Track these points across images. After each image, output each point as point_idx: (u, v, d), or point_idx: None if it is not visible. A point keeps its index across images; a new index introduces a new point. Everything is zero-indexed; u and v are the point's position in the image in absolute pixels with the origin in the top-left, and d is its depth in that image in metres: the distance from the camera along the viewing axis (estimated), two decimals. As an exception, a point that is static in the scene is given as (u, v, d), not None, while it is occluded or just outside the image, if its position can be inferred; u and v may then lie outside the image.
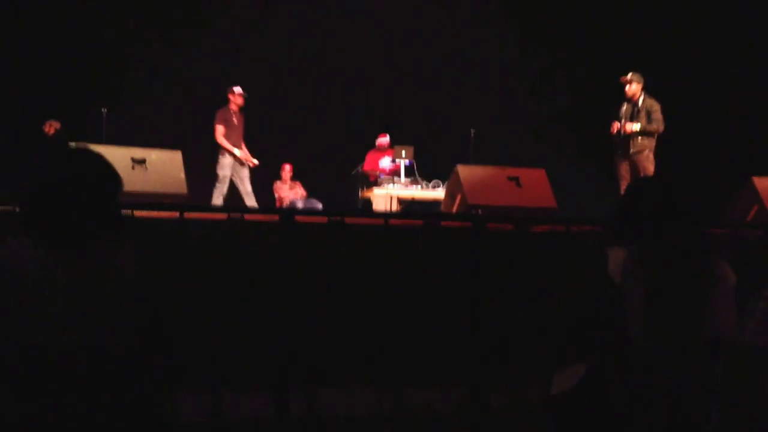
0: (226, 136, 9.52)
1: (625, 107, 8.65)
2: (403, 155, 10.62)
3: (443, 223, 5.89)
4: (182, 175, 6.97)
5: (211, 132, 9.56)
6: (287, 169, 11.29)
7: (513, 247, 5.55)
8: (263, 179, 10.50)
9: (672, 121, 8.73)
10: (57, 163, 2.30)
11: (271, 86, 10.07)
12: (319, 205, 10.08)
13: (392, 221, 5.72)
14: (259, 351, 4.94)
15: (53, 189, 2.23)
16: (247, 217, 5.27)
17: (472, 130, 10.26)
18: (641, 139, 8.50)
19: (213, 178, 9.58)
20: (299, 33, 11.74)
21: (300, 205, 10.67)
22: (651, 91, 8.71)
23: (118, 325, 2.22)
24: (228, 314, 4.88)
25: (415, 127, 11.11)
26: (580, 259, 5.21)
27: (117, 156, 6.41)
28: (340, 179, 11.42)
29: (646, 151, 8.50)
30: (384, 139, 11.32)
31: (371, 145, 11.41)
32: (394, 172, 10.79)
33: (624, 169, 8.55)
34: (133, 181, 6.48)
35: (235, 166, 9.62)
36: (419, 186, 10.45)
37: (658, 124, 8.51)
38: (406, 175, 10.62)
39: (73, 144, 6.23)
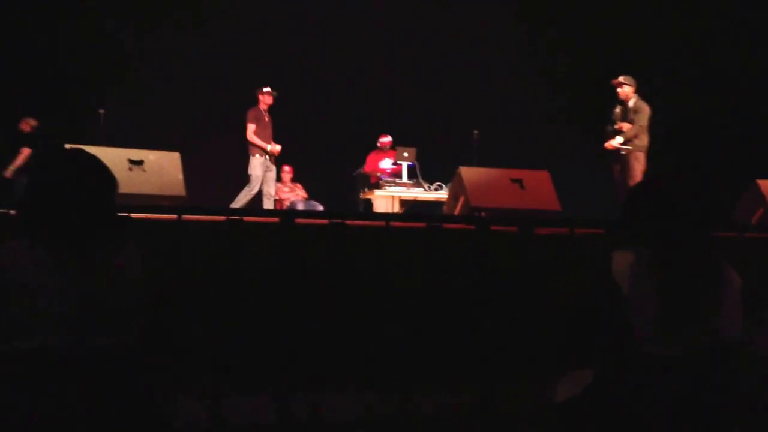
0: (257, 135, 9.64)
1: (618, 109, 8.81)
2: (406, 157, 10.57)
3: (446, 225, 5.83)
4: (180, 176, 6.92)
5: (210, 134, 9.56)
6: (287, 171, 11.26)
7: (516, 250, 5.49)
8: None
9: (674, 123, 8.73)
10: (52, 165, 2.34)
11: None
12: (320, 208, 10.05)
13: (394, 223, 5.66)
14: (259, 355, 4.89)
15: (49, 190, 2.27)
16: (247, 219, 5.21)
17: (475, 132, 10.22)
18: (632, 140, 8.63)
19: (214, 180, 9.55)
20: (300, 33, 11.71)
21: (300, 207, 10.65)
22: (654, 91, 8.74)
23: (117, 325, 2.24)
24: (228, 317, 4.82)
25: (417, 129, 11.08)
26: (584, 261, 5.17)
27: (114, 157, 6.37)
28: (341, 181, 11.38)
29: (636, 151, 8.60)
30: (386, 139, 11.26)
31: (372, 147, 11.35)
32: (396, 174, 10.73)
33: (617, 171, 8.72)
34: (130, 182, 6.42)
35: (267, 165, 9.67)
36: (421, 188, 10.39)
37: (636, 130, 8.57)
38: (409, 176, 10.56)
39: (68, 146, 6.19)
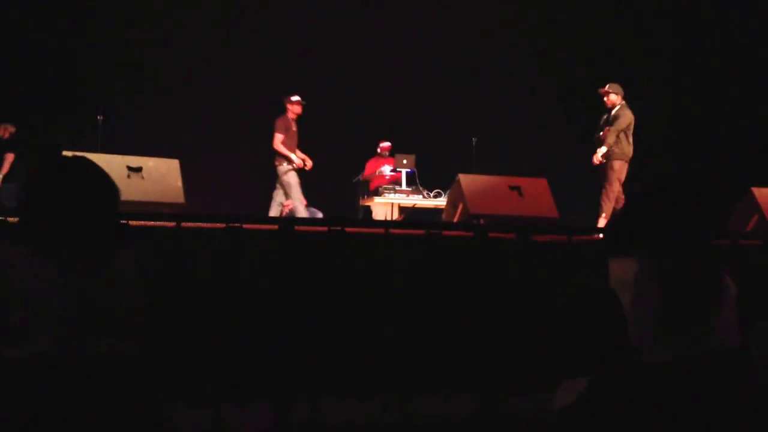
0: (284, 145, 9.38)
1: (604, 117, 8.85)
2: (405, 164, 10.57)
3: (445, 232, 5.84)
4: (179, 183, 6.90)
5: (210, 138, 9.52)
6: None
7: (515, 257, 5.50)
8: (261, 188, 10.43)
9: (671, 131, 8.74)
10: (50, 172, 2.34)
11: (270, 93, 10.02)
12: (319, 215, 10.04)
13: (393, 230, 5.66)
14: (259, 362, 4.88)
15: (50, 197, 2.27)
16: (246, 226, 5.21)
17: (474, 139, 10.23)
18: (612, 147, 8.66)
19: (214, 188, 9.52)
20: (299, 40, 11.72)
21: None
22: (648, 99, 8.76)
23: (116, 331, 2.24)
24: (227, 324, 4.82)
25: (416, 136, 11.08)
26: (581, 269, 5.19)
27: (113, 164, 6.36)
28: (340, 188, 11.37)
29: (612, 160, 8.59)
30: (385, 144, 11.25)
31: (372, 154, 11.35)
32: (395, 181, 10.74)
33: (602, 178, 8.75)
34: (129, 190, 6.40)
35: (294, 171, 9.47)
36: (420, 195, 10.40)
37: (612, 135, 8.56)
38: (408, 183, 10.57)
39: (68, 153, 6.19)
